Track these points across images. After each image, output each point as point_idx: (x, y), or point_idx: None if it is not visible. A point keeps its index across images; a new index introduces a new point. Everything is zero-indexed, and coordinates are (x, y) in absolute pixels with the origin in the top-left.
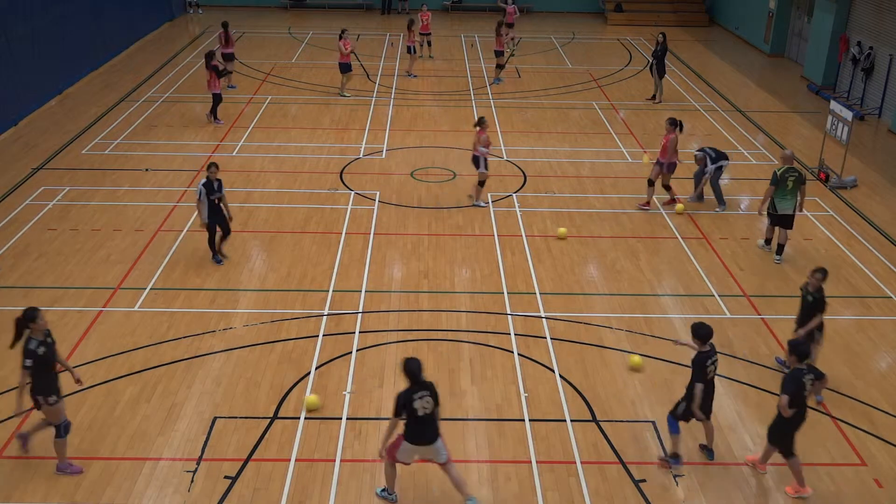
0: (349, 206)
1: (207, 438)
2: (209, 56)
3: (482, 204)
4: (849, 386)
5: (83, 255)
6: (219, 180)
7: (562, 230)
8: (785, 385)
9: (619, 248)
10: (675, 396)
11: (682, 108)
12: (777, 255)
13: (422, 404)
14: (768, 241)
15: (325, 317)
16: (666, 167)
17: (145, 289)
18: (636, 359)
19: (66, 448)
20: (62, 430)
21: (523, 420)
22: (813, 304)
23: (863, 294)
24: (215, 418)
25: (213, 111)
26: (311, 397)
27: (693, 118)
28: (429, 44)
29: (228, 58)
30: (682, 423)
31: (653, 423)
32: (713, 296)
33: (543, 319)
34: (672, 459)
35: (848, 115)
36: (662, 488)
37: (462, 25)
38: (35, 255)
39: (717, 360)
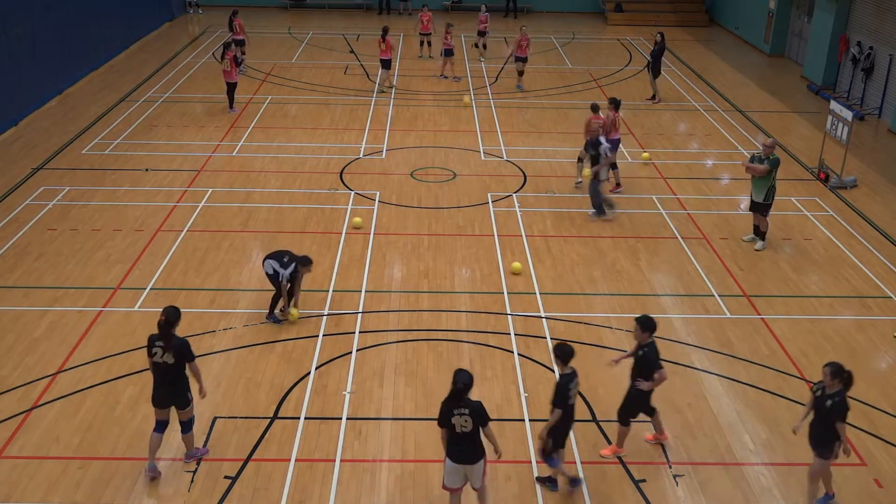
0: (349, 206)
1: (207, 438)
2: (226, 46)
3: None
4: None
5: (83, 255)
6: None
7: (357, 220)
8: (657, 361)
9: (619, 248)
10: (674, 396)
11: (682, 108)
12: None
13: (459, 422)
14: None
15: (325, 317)
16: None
17: (145, 289)
18: (517, 265)
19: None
20: (191, 424)
21: (523, 420)
22: (831, 410)
23: (863, 294)
24: (215, 418)
25: (231, 99)
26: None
27: (693, 118)
28: (429, 44)
29: (239, 44)
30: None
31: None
32: (713, 296)
33: (543, 319)
34: (573, 483)
35: (848, 115)
36: (662, 488)
37: (462, 25)
38: (35, 255)
39: (578, 383)
